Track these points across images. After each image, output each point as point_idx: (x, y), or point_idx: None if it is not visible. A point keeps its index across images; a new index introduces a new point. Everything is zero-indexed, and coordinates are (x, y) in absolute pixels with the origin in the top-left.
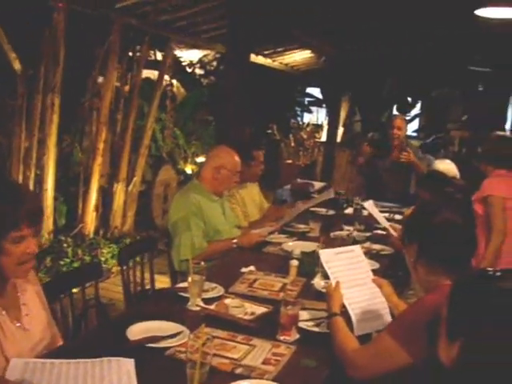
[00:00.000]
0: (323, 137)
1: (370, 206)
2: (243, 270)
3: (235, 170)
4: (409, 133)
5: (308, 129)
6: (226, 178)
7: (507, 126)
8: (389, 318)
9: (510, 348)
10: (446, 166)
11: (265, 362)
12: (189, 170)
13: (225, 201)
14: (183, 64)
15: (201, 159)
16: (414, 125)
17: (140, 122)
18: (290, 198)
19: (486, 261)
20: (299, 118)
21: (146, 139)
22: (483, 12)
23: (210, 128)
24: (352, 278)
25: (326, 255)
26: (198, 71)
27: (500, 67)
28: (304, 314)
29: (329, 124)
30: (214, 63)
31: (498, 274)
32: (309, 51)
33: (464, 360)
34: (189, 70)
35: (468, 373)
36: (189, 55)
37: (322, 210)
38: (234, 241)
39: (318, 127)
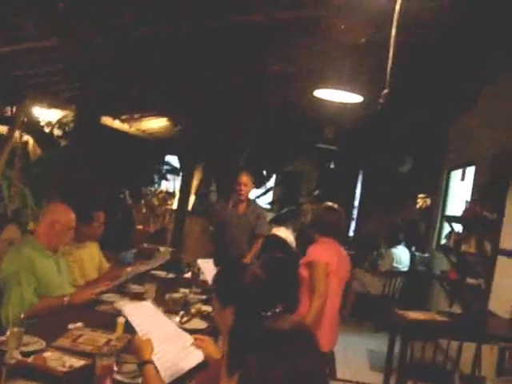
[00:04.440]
0: (175, 204)
1: (202, 263)
2: (70, 326)
3: (70, 225)
4: (263, 205)
5: (160, 196)
6: (60, 233)
7: (355, 203)
8: (195, 353)
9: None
10: (282, 233)
11: None
12: None
13: (60, 257)
14: (41, 124)
15: None
16: (269, 197)
17: None
18: (133, 261)
19: (309, 321)
20: (156, 185)
21: None
22: (320, 93)
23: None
24: (154, 324)
25: (129, 309)
26: (57, 132)
27: (346, 146)
28: (124, 367)
29: (181, 192)
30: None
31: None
32: (165, 119)
33: None
34: (46, 130)
35: None
36: (47, 115)
37: (163, 273)
38: (66, 298)
39: (171, 195)
